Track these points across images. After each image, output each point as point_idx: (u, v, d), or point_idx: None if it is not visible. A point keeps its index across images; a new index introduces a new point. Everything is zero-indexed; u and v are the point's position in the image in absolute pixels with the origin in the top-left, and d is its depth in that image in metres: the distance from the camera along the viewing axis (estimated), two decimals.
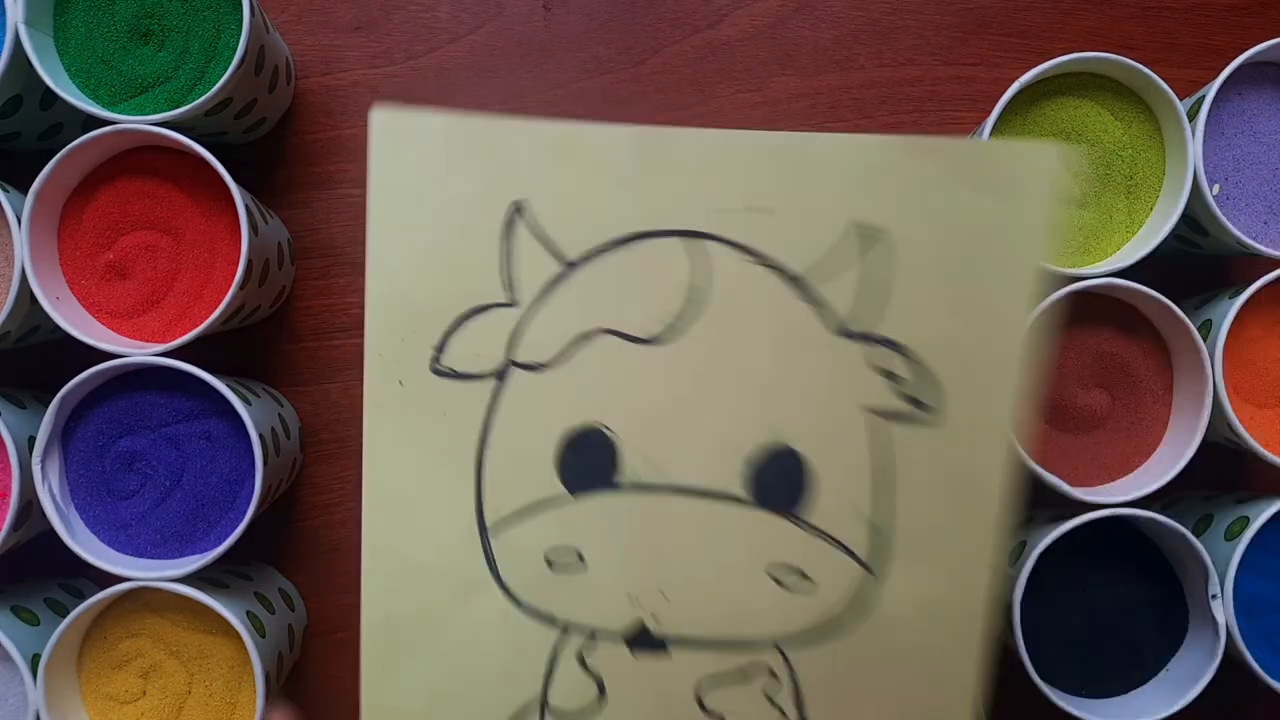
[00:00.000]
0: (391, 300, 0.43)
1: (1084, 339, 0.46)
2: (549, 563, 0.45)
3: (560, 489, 0.45)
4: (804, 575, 0.44)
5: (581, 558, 0.45)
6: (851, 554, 0.44)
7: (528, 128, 0.42)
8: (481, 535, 0.45)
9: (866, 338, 0.42)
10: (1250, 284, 0.45)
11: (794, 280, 0.43)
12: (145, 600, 0.46)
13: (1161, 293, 0.44)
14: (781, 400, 0.44)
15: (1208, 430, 0.45)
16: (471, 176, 0.43)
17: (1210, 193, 0.45)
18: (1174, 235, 0.48)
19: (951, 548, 0.44)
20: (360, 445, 0.52)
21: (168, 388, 0.46)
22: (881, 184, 0.42)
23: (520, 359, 0.44)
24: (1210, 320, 0.46)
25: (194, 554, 0.46)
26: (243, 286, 0.44)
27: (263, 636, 0.46)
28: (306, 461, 0.53)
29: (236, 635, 0.45)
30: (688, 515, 0.45)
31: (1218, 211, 0.44)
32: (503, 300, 0.44)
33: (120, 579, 0.44)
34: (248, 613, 0.45)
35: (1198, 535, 0.47)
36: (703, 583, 0.45)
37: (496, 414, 0.44)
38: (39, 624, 0.46)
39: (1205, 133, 0.45)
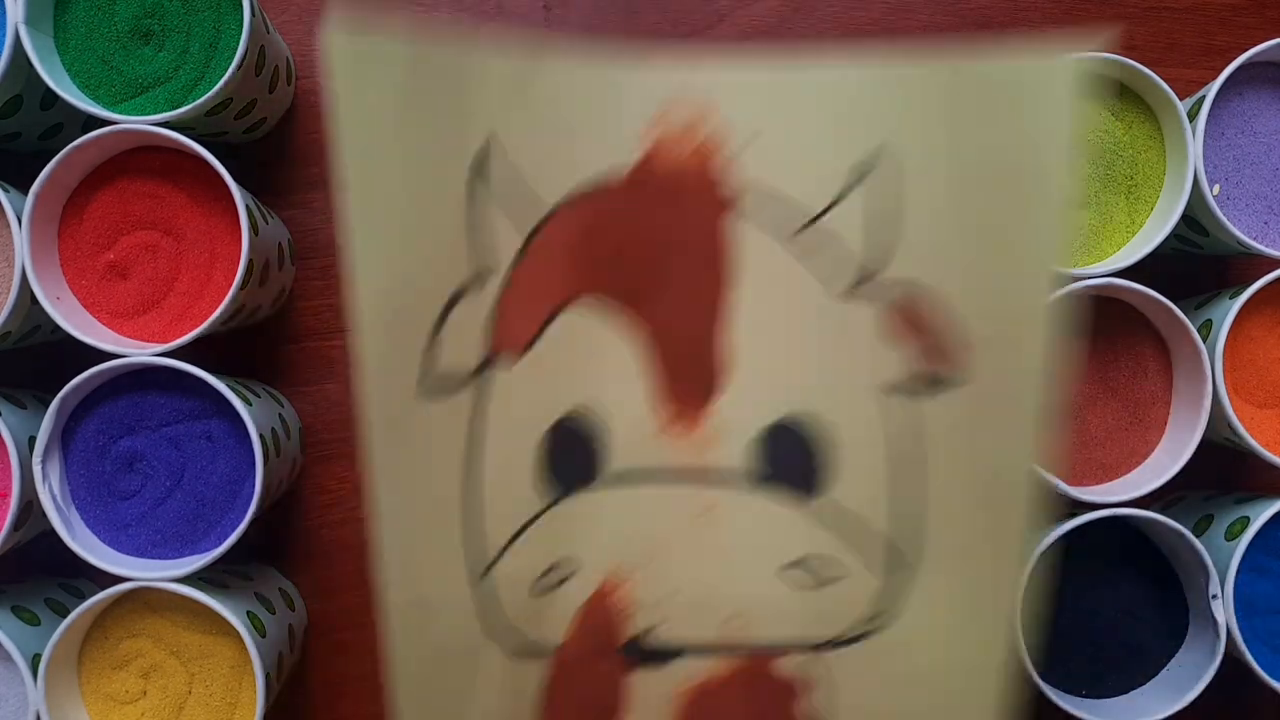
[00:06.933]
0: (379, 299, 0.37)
1: (1084, 339, 0.46)
2: (542, 582, 0.38)
3: (545, 500, 0.37)
4: (821, 576, 0.36)
5: (574, 570, 0.37)
6: (880, 548, 0.36)
7: (492, 61, 0.34)
8: (474, 589, 0.37)
9: (880, 284, 0.34)
10: (1250, 284, 0.45)
11: (791, 236, 0.35)
12: (145, 600, 0.46)
13: (1161, 293, 0.44)
14: (787, 369, 0.35)
15: (1208, 430, 0.45)
16: (437, 129, 0.34)
17: (1210, 193, 0.44)
18: (1174, 235, 0.48)
19: (979, 541, 0.35)
20: (358, 445, 0.52)
21: (168, 388, 0.46)
22: (882, 118, 0.33)
23: (501, 345, 0.36)
24: (1210, 320, 0.46)
25: (194, 554, 0.46)
26: (243, 286, 0.44)
27: (263, 636, 0.45)
28: (306, 462, 0.53)
29: (237, 635, 0.45)
30: (687, 507, 0.37)
31: (1218, 211, 0.44)
32: (475, 270, 0.35)
33: (120, 579, 0.44)
34: (248, 613, 0.45)
35: (1198, 535, 0.47)
36: (707, 586, 0.37)
37: (481, 423, 0.37)
38: (39, 624, 0.46)
39: (1205, 133, 0.45)
